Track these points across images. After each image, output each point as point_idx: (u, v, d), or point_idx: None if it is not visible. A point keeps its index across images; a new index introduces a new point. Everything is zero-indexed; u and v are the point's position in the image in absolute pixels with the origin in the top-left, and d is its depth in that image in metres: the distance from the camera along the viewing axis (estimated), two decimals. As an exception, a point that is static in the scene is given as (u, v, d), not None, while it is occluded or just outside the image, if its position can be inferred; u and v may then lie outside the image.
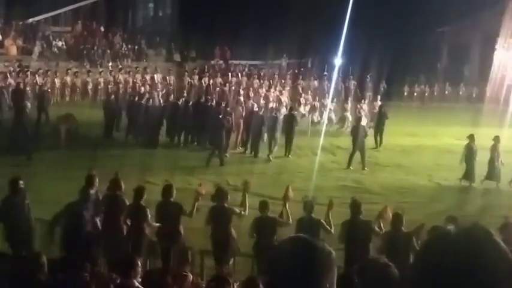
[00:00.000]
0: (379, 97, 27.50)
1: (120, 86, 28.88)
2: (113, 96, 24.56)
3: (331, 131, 25.10)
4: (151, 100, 22.89)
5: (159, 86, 29.14)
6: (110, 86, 29.05)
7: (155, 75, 31.35)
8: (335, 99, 27.70)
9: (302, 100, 26.70)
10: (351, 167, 19.48)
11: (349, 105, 27.11)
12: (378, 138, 23.03)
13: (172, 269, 8.57)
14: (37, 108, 23.82)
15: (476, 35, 38.83)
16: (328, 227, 10.08)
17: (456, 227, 1.71)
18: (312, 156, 20.42)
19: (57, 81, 27.74)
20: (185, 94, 26.21)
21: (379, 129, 23.11)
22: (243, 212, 10.43)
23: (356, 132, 20.15)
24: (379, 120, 23.26)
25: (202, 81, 31.70)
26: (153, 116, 22.00)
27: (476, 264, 1.59)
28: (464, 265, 1.59)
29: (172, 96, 25.12)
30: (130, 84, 29.88)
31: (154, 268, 9.25)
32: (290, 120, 21.27)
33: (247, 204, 10.55)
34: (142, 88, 26.08)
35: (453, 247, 1.63)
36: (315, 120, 25.64)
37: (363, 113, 23.97)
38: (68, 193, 12.85)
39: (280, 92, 27.62)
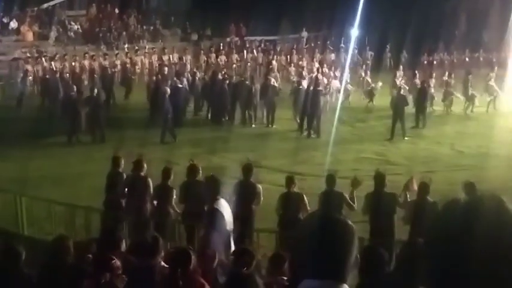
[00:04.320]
0: (401, 67, 27.18)
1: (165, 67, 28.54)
2: (154, 77, 24.55)
3: (351, 103, 24.95)
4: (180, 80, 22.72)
5: (188, 66, 28.94)
6: (155, 67, 28.99)
7: (171, 56, 31.25)
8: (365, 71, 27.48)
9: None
10: (407, 137, 19.43)
11: (367, 77, 26.85)
12: (421, 118, 21.33)
13: (197, 247, 8.61)
14: (104, 91, 23.88)
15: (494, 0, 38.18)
16: (351, 202, 10.03)
17: (469, 195, 1.71)
18: (331, 129, 20.28)
19: (75, 64, 27.70)
20: (202, 72, 26.24)
21: (421, 108, 21.40)
22: (261, 198, 10.44)
23: (396, 101, 19.97)
24: (422, 98, 21.53)
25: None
26: (180, 95, 21.96)
27: (484, 231, 1.60)
28: (472, 233, 1.60)
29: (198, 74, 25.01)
30: (154, 65, 29.78)
31: (179, 247, 9.29)
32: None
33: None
34: (166, 68, 26.03)
35: (462, 215, 1.64)
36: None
37: (400, 83, 23.25)
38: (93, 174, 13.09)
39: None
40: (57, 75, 24.84)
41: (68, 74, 25.77)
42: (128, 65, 28.26)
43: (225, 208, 8.26)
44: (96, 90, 20.44)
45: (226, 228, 8.19)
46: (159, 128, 19.91)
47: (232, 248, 8.30)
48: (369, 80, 26.49)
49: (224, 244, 8.02)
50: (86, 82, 25.39)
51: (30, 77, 26.11)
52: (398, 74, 25.44)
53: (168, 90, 20.12)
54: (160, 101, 20.22)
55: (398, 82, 23.46)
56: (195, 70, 25.94)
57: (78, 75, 26.06)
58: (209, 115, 22.80)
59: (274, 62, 30.22)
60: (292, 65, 28.66)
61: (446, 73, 25.37)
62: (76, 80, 24.52)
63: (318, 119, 20.05)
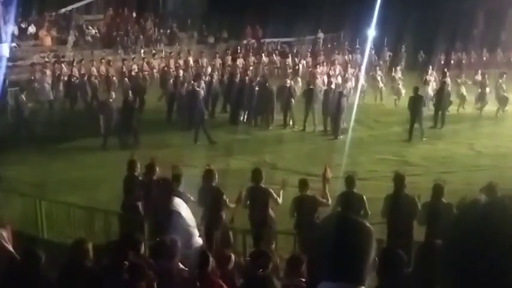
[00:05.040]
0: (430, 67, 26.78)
1: (180, 70, 28.35)
2: (171, 80, 24.74)
3: (370, 103, 24.89)
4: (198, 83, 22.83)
5: (209, 68, 28.97)
6: (171, 70, 29.12)
7: (189, 58, 31.37)
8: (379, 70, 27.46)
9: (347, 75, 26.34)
10: (425, 138, 19.34)
11: (398, 75, 26.63)
12: (440, 118, 21.25)
13: (214, 250, 8.65)
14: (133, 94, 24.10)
15: (512, -2, 37.89)
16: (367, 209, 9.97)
17: (489, 196, 1.71)
18: (348, 131, 20.21)
19: (93, 69, 27.89)
20: (218, 74, 26.36)
21: (440, 108, 21.25)
22: (279, 200, 10.41)
23: (414, 101, 19.85)
24: (441, 98, 21.30)
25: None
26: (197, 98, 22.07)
27: (503, 234, 1.58)
28: (491, 235, 1.59)
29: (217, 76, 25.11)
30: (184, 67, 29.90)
31: (199, 249, 9.32)
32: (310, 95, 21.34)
33: (281, 198, 10.47)
34: (181, 72, 26.20)
35: (482, 216, 1.63)
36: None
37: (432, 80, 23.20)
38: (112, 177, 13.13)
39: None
40: (85, 78, 25.23)
41: (95, 79, 26.00)
42: (166, 68, 28.37)
43: (181, 206, 8.27)
44: (130, 94, 20.54)
45: (186, 226, 8.19)
46: (176, 131, 20.02)
47: (197, 243, 8.33)
48: (397, 78, 26.24)
49: (184, 242, 8.06)
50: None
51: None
52: (430, 72, 25.19)
53: (202, 92, 20.35)
54: (190, 103, 20.47)
55: (429, 79, 23.37)
56: (212, 73, 26.01)
57: (111, 79, 26.19)
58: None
59: (300, 66, 30.10)
60: (318, 67, 28.43)
61: (480, 73, 24.88)
62: (108, 84, 24.76)
63: (338, 120, 20.01)
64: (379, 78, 26.37)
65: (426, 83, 23.39)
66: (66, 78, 26.26)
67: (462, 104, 23.33)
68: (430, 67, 26.06)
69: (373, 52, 33.67)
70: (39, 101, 23.97)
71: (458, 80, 23.84)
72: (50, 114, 23.19)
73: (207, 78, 24.44)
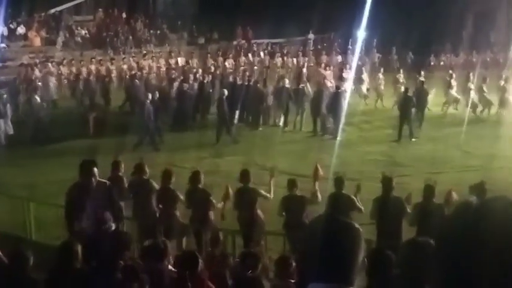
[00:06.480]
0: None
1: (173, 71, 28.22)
2: (164, 82, 24.66)
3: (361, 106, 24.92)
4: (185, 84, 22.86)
5: (200, 70, 28.93)
6: (162, 72, 29.15)
7: (179, 59, 31.38)
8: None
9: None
10: (414, 139, 19.42)
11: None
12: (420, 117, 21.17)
13: (204, 251, 8.65)
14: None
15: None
16: (359, 204, 9.99)
17: (479, 196, 1.70)
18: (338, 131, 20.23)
19: (83, 70, 27.79)
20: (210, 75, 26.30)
21: (420, 108, 21.14)
22: (268, 195, 10.41)
23: (403, 102, 19.87)
24: (420, 98, 21.21)
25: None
26: (186, 99, 22.12)
27: (495, 235, 1.57)
28: (483, 236, 1.58)
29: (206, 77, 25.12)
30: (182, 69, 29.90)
31: (187, 250, 9.30)
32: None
33: (272, 189, 10.51)
34: (173, 72, 26.22)
35: (474, 217, 1.62)
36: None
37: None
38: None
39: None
40: (91, 77, 25.69)
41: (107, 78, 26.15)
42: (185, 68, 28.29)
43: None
44: (157, 94, 20.42)
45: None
46: (170, 132, 20.09)
47: None
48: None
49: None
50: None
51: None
52: (454, 75, 25.03)
53: (226, 92, 20.44)
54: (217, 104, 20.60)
55: (453, 83, 23.45)
56: (203, 73, 25.97)
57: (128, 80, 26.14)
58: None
59: (304, 70, 30.05)
60: (327, 68, 28.29)
61: (503, 77, 24.72)
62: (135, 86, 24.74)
63: (338, 120, 20.04)
64: (381, 82, 26.11)
65: (450, 86, 23.42)
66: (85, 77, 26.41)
67: (488, 107, 23.12)
68: (454, 72, 25.97)
69: (363, 53, 33.73)
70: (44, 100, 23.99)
71: (483, 86, 23.59)
72: (51, 114, 23.08)
73: (198, 79, 24.42)
